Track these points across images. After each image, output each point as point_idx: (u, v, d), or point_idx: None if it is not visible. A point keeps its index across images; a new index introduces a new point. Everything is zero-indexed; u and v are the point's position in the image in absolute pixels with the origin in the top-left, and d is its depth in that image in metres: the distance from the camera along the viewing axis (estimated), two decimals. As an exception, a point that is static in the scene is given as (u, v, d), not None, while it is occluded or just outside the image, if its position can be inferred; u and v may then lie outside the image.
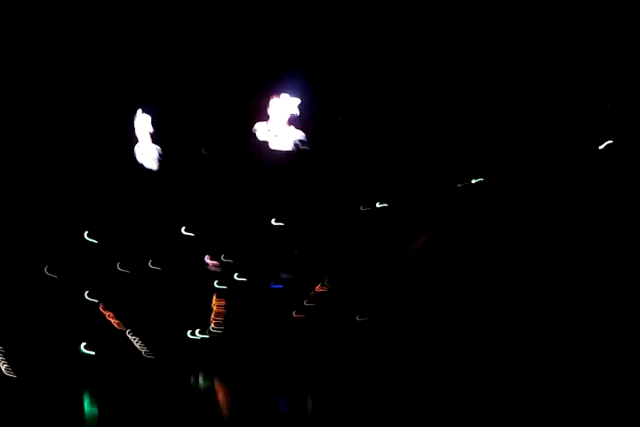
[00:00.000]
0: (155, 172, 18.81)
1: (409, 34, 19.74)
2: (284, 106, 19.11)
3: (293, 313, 20.23)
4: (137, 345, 19.04)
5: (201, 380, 18.89)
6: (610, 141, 19.23)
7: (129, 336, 18.99)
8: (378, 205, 20.10)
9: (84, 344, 18.45)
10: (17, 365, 17.66)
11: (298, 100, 19.02)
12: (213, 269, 19.21)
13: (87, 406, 17.30)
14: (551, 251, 18.77)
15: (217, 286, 19.80)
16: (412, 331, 18.77)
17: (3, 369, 17.45)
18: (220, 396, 17.99)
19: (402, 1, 19.58)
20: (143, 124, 18.41)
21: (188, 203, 19.56)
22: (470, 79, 20.04)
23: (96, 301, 18.70)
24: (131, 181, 18.78)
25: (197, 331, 19.65)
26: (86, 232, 18.64)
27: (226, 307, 19.84)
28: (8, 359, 17.58)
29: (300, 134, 19.20)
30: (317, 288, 20.43)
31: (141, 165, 18.64)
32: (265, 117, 19.08)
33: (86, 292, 18.61)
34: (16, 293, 17.96)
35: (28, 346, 17.89)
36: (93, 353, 18.51)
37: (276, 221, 19.96)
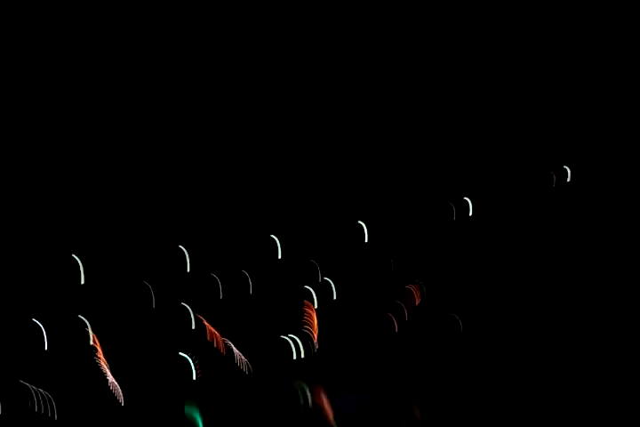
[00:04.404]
0: None
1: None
2: None
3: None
4: (240, 361, 19.38)
5: (302, 397, 19.15)
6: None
7: (234, 351, 19.34)
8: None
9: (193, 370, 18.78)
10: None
11: None
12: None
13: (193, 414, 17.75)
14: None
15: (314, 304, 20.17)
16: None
17: (115, 384, 17.93)
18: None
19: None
20: None
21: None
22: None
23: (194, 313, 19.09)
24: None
25: (300, 349, 19.83)
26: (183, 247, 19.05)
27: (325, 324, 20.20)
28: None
29: None
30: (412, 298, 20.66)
31: None
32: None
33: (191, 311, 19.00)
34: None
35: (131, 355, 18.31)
36: (196, 367, 18.87)
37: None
